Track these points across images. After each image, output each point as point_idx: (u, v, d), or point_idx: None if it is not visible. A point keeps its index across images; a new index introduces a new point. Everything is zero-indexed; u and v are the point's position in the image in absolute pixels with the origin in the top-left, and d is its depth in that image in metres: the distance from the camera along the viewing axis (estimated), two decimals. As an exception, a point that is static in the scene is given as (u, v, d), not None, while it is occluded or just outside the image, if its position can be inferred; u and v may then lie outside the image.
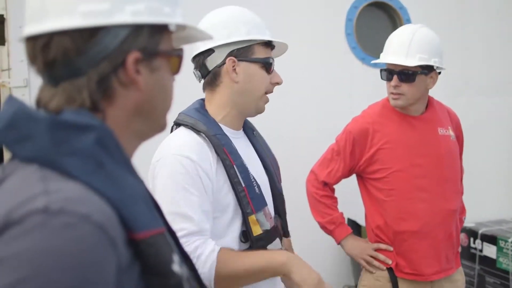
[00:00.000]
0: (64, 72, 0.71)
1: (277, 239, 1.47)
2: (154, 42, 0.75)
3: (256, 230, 1.41)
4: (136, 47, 0.72)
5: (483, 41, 3.46)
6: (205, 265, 1.29)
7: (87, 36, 0.69)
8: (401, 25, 3.22)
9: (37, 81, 0.74)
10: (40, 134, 0.66)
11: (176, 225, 1.19)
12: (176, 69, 0.82)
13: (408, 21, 3.22)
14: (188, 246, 1.27)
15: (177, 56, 0.81)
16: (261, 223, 1.42)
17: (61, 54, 0.69)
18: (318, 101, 3.08)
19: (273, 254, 1.38)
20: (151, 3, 0.74)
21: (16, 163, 0.68)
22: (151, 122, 0.80)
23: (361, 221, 2.80)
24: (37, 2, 0.71)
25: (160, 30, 0.76)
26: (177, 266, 0.73)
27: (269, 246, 1.43)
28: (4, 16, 2.52)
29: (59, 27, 0.69)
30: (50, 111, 0.70)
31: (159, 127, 0.83)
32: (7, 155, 2.69)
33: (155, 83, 0.76)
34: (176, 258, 0.74)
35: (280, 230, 1.53)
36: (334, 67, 3.14)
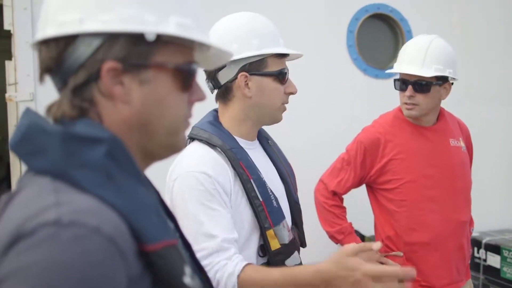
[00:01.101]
0: (55, 81, 0.74)
1: (295, 253, 1.44)
2: (140, 53, 0.72)
3: (274, 245, 1.38)
4: (112, 56, 0.70)
5: (484, 49, 3.47)
6: None
7: (63, 45, 0.71)
8: (402, 36, 3.24)
9: (43, 95, 0.77)
10: (52, 147, 0.67)
11: (197, 245, 1.18)
12: (181, 85, 0.77)
13: (409, 32, 3.24)
14: (209, 271, 1.23)
15: (181, 70, 0.76)
16: (280, 237, 1.39)
17: (45, 64, 0.73)
18: (319, 112, 3.09)
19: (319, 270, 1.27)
20: (126, 11, 0.71)
21: (30, 175, 0.69)
22: (153, 139, 0.76)
23: (364, 231, 2.80)
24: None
25: (149, 40, 0.71)
26: (188, 278, 0.73)
27: (287, 260, 1.41)
28: (11, 32, 2.55)
29: (39, 37, 0.73)
30: (53, 120, 0.72)
31: (167, 146, 0.79)
32: (14, 168, 2.72)
33: (146, 97, 0.73)
34: (188, 270, 0.74)
35: (297, 242, 1.49)
36: (336, 78, 3.15)
